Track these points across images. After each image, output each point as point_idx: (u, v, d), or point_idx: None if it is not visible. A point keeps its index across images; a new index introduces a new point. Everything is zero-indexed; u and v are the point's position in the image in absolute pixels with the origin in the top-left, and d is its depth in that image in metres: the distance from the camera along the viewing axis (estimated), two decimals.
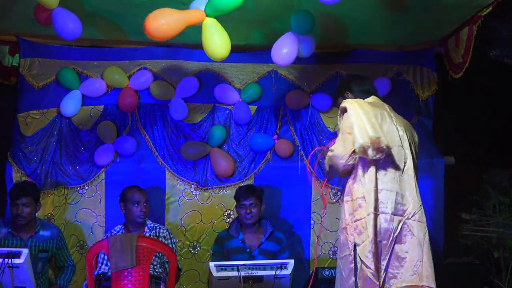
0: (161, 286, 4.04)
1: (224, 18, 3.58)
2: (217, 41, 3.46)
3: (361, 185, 3.05)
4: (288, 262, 3.48)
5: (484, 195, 4.84)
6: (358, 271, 2.94)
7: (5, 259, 3.34)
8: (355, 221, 3.00)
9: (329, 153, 3.14)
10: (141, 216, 4.25)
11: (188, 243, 4.80)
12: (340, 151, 3.09)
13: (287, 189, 4.89)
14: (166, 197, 4.80)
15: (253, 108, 4.95)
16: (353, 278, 2.94)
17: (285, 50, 3.97)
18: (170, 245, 4.22)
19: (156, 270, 4.11)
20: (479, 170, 4.99)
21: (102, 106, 4.88)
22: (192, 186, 4.85)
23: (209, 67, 4.92)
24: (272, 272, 3.43)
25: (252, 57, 4.91)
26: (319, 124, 4.97)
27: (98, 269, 4.16)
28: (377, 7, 4.07)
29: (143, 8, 4.03)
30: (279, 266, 3.44)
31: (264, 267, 3.46)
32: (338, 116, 3.27)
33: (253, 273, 3.41)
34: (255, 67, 4.98)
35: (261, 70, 4.97)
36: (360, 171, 3.10)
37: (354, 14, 4.16)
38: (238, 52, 4.66)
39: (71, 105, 4.77)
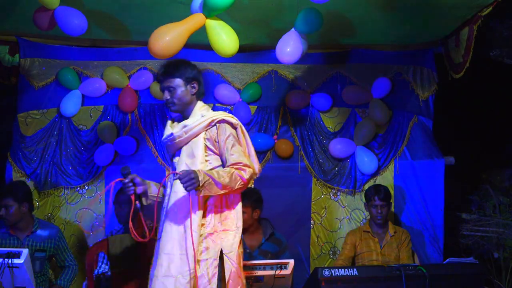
0: None
1: (223, 18, 3.58)
2: (224, 38, 3.46)
3: (231, 200, 3.06)
4: (288, 262, 3.48)
5: (484, 195, 4.83)
6: (229, 274, 2.94)
7: (5, 259, 3.34)
8: (223, 230, 3.00)
9: (245, 168, 2.96)
10: (123, 216, 4.21)
11: None
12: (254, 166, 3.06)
13: (287, 189, 4.89)
14: None
15: (253, 108, 4.95)
16: (215, 281, 2.92)
17: (289, 48, 3.92)
18: None
19: None
20: (479, 170, 4.98)
21: (102, 106, 4.88)
22: None
23: (209, 67, 4.92)
24: (272, 272, 3.43)
25: (252, 57, 4.91)
26: (319, 124, 4.98)
27: (98, 268, 4.16)
28: (377, 7, 4.07)
29: (143, 8, 4.04)
30: (279, 266, 3.44)
31: (264, 267, 3.46)
32: (206, 123, 2.98)
33: (253, 273, 3.41)
34: (255, 67, 4.98)
35: (261, 70, 4.96)
36: None
37: (354, 14, 4.16)
38: (238, 52, 4.65)
39: (71, 105, 4.77)
